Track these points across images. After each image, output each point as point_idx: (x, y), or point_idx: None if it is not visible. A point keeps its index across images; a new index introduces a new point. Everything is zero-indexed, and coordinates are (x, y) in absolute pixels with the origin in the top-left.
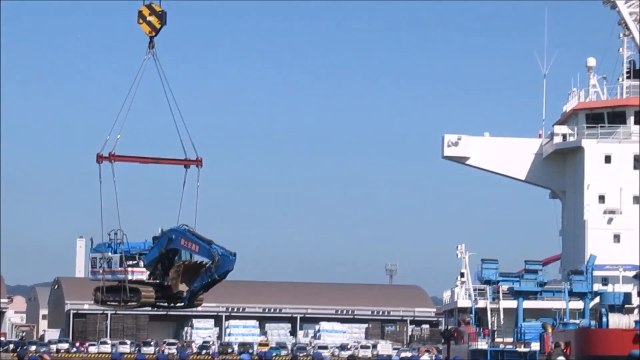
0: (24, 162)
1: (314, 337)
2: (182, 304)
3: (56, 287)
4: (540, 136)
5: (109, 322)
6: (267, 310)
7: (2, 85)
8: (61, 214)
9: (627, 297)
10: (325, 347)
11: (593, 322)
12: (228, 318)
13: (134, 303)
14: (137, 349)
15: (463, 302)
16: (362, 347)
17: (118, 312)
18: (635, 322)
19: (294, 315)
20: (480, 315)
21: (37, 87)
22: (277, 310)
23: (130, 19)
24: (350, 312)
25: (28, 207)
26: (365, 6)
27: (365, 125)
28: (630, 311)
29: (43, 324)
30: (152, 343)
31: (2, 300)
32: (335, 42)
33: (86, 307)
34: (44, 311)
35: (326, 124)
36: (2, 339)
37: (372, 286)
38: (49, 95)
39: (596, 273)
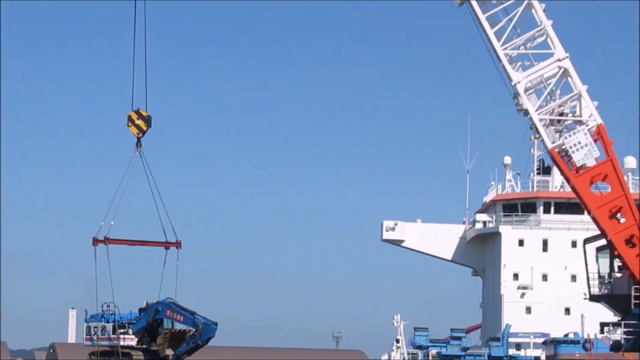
0: (24, 240)
1: None
2: None
3: (51, 351)
4: (464, 223)
5: None
6: None
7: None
8: (54, 287)
9: None
10: None
11: None
12: None
13: None
14: None
15: None
16: None
17: None
18: None
19: None
20: None
21: (38, 172)
22: None
23: (120, 118)
24: None
25: (26, 279)
26: (295, 94)
27: (312, 212)
28: None
29: None
30: None
31: None
32: (282, 128)
33: None
34: None
35: (282, 207)
36: None
37: (318, 351)
38: (45, 179)
39: (511, 340)
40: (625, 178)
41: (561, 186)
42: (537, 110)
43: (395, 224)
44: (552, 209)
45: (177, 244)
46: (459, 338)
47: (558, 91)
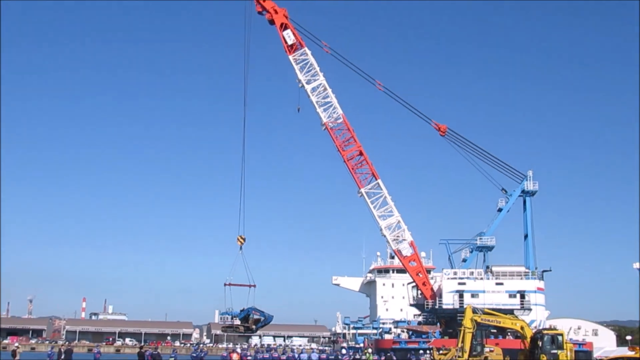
0: (196, 279)
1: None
2: (252, 332)
3: (209, 325)
4: (363, 276)
5: (225, 337)
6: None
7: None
8: (210, 300)
9: (389, 330)
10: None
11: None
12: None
13: (237, 331)
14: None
15: (339, 331)
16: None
17: (229, 334)
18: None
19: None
20: (343, 337)
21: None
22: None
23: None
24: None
25: (198, 297)
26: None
27: (303, 275)
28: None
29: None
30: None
31: (191, 330)
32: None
33: (218, 332)
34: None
35: (285, 273)
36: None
37: (302, 325)
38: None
39: (381, 322)
40: (422, 259)
41: (399, 262)
42: (390, 235)
43: (337, 278)
44: (396, 272)
45: (254, 285)
46: (361, 321)
47: (396, 228)
